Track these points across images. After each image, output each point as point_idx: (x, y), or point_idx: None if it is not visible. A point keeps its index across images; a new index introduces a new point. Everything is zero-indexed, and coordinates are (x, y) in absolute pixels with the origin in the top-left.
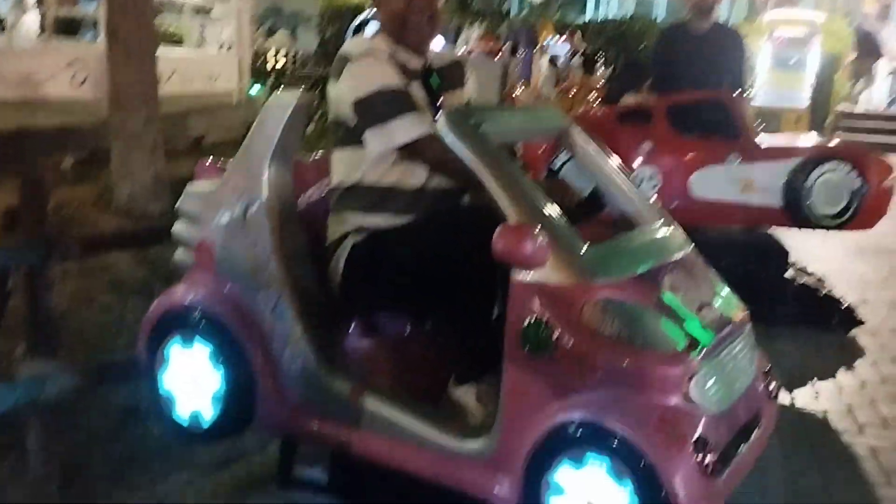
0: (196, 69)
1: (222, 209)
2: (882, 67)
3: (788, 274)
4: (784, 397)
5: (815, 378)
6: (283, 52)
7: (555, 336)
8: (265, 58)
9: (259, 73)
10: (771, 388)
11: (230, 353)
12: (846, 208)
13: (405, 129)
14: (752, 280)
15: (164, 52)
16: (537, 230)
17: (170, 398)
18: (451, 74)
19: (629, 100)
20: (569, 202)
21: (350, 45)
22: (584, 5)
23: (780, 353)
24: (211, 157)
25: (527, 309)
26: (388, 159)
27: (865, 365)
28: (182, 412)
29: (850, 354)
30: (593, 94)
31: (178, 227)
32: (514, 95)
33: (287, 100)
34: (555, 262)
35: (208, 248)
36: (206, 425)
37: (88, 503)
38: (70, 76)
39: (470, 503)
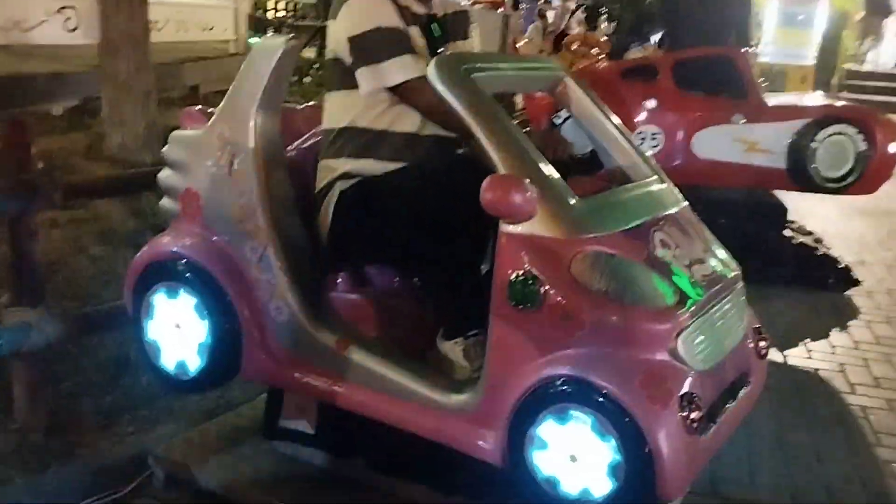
0: (192, 17)
1: (208, 157)
2: (890, 26)
3: (786, 233)
4: (777, 356)
5: (809, 337)
6: (282, 2)
7: (542, 290)
8: (265, 7)
9: (259, 23)
10: (761, 346)
11: (216, 303)
12: (850, 171)
13: (398, 69)
14: (748, 238)
15: None
16: (526, 182)
17: (156, 347)
18: (456, 25)
19: (634, 55)
20: (561, 155)
21: None
22: None
23: (774, 311)
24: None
25: (514, 262)
26: (381, 102)
27: (860, 325)
28: (168, 362)
29: (844, 314)
30: (595, 49)
31: (164, 175)
32: (516, 47)
33: (274, 45)
34: (544, 214)
35: (194, 197)
36: (191, 375)
37: (74, 452)
38: (62, 21)
39: (455, 456)
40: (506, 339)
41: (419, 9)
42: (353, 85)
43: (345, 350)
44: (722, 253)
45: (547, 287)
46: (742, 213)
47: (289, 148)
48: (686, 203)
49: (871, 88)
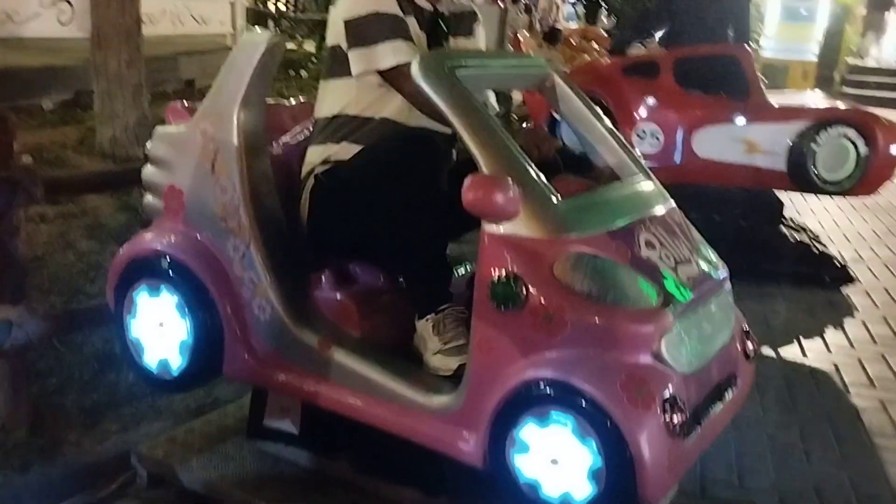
0: (187, 10)
1: (191, 154)
2: (893, 20)
3: (782, 230)
4: (770, 354)
5: (803, 335)
6: None
7: (524, 291)
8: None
9: (259, 15)
10: (748, 348)
11: (198, 301)
12: (851, 174)
13: (391, 52)
14: (744, 235)
15: None
16: (509, 181)
17: (138, 346)
18: (461, 22)
19: (636, 51)
20: (547, 153)
21: None
22: None
23: (769, 309)
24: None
25: (496, 263)
26: (372, 89)
27: (855, 323)
28: (150, 360)
29: (840, 312)
30: (595, 44)
31: (148, 172)
32: (519, 40)
33: (258, 40)
34: (526, 214)
35: (177, 194)
36: (174, 374)
37: (57, 451)
38: (56, 14)
39: (441, 457)
40: (488, 340)
41: (423, 3)
42: (348, 73)
43: (327, 350)
44: (709, 253)
45: (529, 288)
46: (738, 210)
47: (275, 144)
48: (673, 203)
49: (873, 84)
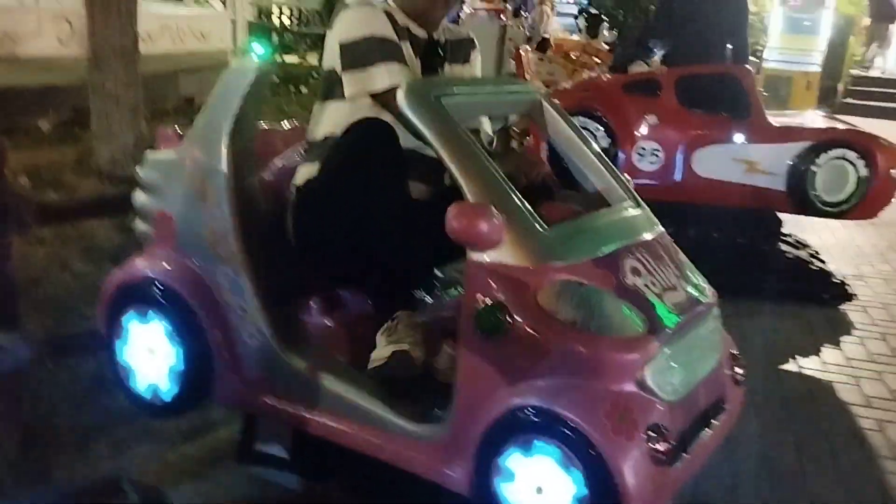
0: (187, 27)
1: (181, 181)
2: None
3: (781, 247)
4: (767, 373)
5: (800, 354)
6: (286, 8)
7: (508, 319)
8: (269, 14)
9: (262, 29)
10: (737, 373)
11: (187, 327)
12: (851, 196)
13: (384, 75)
14: (742, 252)
15: (155, 8)
16: (492, 209)
17: (129, 371)
18: (457, 49)
19: (638, 68)
20: (535, 179)
21: None
22: None
23: (766, 326)
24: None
25: (481, 291)
26: (364, 111)
27: (853, 341)
28: (141, 385)
29: (838, 330)
30: (596, 59)
31: (139, 198)
32: (520, 55)
33: (246, 67)
34: (510, 242)
35: (167, 220)
36: (164, 399)
37: (50, 474)
38: (55, 33)
39: (429, 483)
40: (473, 367)
41: (418, 31)
42: (342, 96)
43: (316, 376)
44: (697, 278)
45: (513, 316)
46: (736, 227)
47: (266, 169)
48: (661, 228)
49: (878, 94)
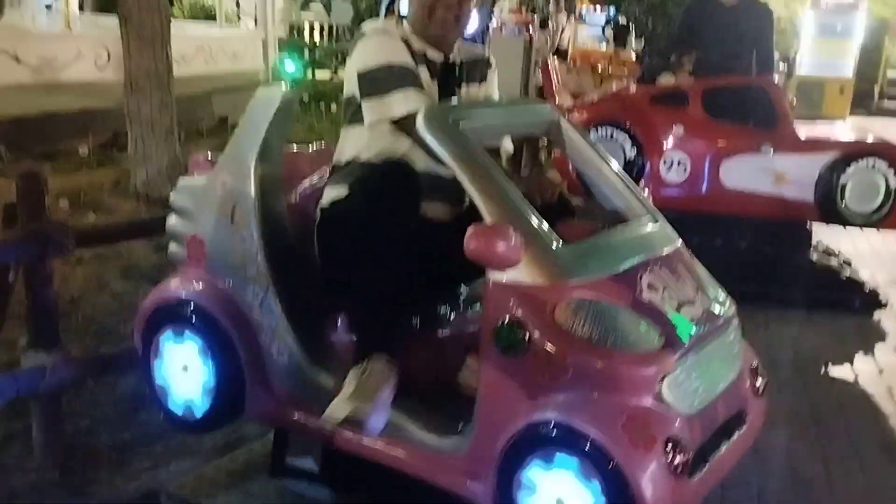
0: (220, 48)
1: (212, 205)
2: None
3: (811, 255)
4: (796, 382)
5: (832, 363)
6: (317, 25)
7: (527, 336)
8: (300, 30)
9: (293, 45)
10: (758, 384)
11: (220, 346)
12: (881, 206)
13: (401, 102)
14: (771, 262)
15: (188, 30)
16: (510, 229)
17: (164, 388)
18: (472, 70)
19: (665, 80)
20: (551, 198)
21: (367, 23)
22: None
23: (797, 336)
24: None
25: (500, 309)
26: (385, 136)
27: (886, 350)
28: (176, 402)
29: (870, 339)
30: (624, 69)
31: (172, 222)
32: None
33: (273, 94)
34: (528, 262)
35: (199, 243)
36: (198, 415)
37: (91, 488)
38: (93, 59)
39: (455, 496)
40: (494, 383)
41: (434, 55)
42: (362, 121)
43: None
44: (715, 291)
45: (532, 333)
46: (765, 236)
47: (296, 189)
48: (679, 242)
49: None
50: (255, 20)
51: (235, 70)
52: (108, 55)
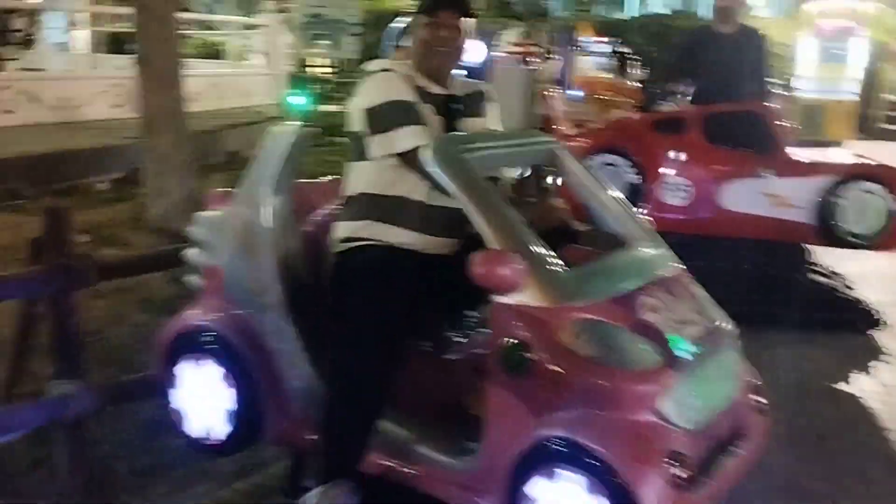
0: (230, 86)
1: (229, 237)
2: None
3: (811, 276)
4: (797, 401)
5: (835, 382)
6: (325, 60)
7: (532, 357)
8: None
9: (303, 81)
10: (759, 402)
11: (238, 372)
12: (878, 229)
13: (406, 137)
14: (774, 283)
15: (201, 68)
16: (514, 255)
17: (185, 414)
18: (471, 103)
19: (665, 107)
20: (554, 224)
21: (371, 63)
22: (623, 3)
23: (798, 356)
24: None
25: (505, 331)
26: (391, 170)
27: (888, 368)
28: (196, 428)
29: (872, 357)
30: (627, 98)
31: (191, 253)
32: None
33: (287, 132)
34: (532, 285)
35: (217, 274)
36: (218, 440)
37: None
38: (110, 98)
39: None
40: (500, 403)
41: (436, 90)
42: (369, 156)
43: None
44: (714, 312)
45: (536, 354)
46: (767, 259)
47: (308, 218)
48: (679, 265)
49: None
50: (266, 56)
51: (246, 106)
52: (123, 94)
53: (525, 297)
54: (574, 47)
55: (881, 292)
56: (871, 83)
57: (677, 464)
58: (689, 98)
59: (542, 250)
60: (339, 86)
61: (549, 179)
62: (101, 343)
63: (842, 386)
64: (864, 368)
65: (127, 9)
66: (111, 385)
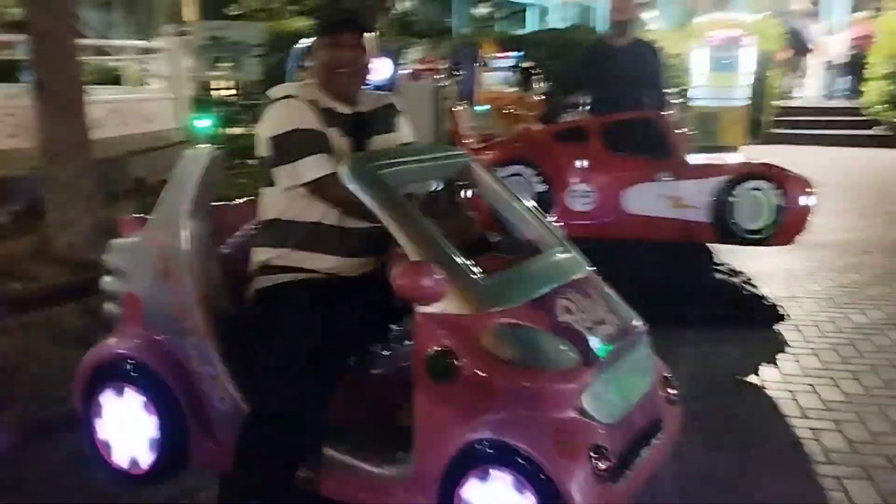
0: (132, 111)
1: (146, 262)
2: (812, 62)
3: (716, 276)
4: (709, 394)
5: (741, 374)
6: (228, 82)
7: (456, 363)
8: (210, 88)
9: (206, 104)
10: (670, 394)
11: (161, 399)
12: (769, 224)
13: (311, 167)
14: (680, 285)
15: (100, 94)
16: (434, 266)
17: (107, 445)
18: (381, 119)
19: (566, 119)
20: (472, 234)
21: (274, 89)
22: (525, 19)
23: (707, 352)
24: (150, 198)
25: (429, 340)
26: (303, 196)
27: (788, 359)
28: (120, 458)
29: (773, 349)
30: (531, 111)
31: (106, 281)
32: (453, 111)
33: (200, 155)
34: (453, 294)
35: (135, 301)
36: (144, 469)
37: None
38: (3, 128)
39: None
40: (429, 410)
41: (344, 109)
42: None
43: None
44: (625, 310)
45: (461, 360)
46: (671, 261)
47: (227, 240)
48: (590, 268)
49: (803, 123)
50: (167, 80)
51: (150, 131)
52: (17, 124)
53: (446, 305)
54: (478, 63)
55: (780, 289)
56: (761, 90)
57: (600, 457)
58: (588, 108)
59: (461, 260)
60: (243, 108)
61: (461, 193)
62: (10, 381)
63: (748, 377)
64: (767, 360)
65: (16, 36)
66: (28, 420)
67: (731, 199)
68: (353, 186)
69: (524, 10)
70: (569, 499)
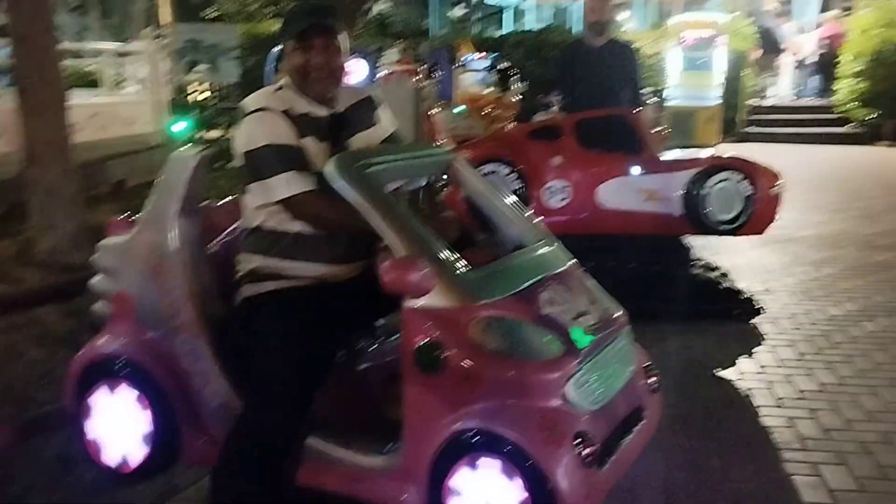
0: (111, 114)
1: (136, 261)
2: (784, 61)
3: (693, 271)
4: (688, 386)
5: (719, 367)
6: (205, 85)
7: (444, 355)
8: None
9: (183, 107)
10: (651, 382)
11: (153, 396)
12: (739, 214)
13: (284, 185)
14: (658, 280)
15: (79, 98)
16: (421, 261)
17: (99, 444)
18: (359, 115)
19: (540, 118)
20: (455, 234)
21: (248, 99)
22: (501, 20)
23: (685, 344)
24: (131, 201)
25: (417, 333)
26: (282, 209)
27: (764, 350)
28: (111, 456)
29: (750, 342)
30: (509, 111)
31: (95, 281)
32: (429, 115)
33: (188, 155)
34: (440, 288)
35: (126, 299)
36: (134, 466)
37: None
38: None
39: None
40: (417, 401)
41: (320, 111)
42: None
43: None
44: (607, 301)
45: (448, 352)
46: (652, 257)
47: (215, 240)
48: (572, 261)
49: (777, 122)
50: (145, 83)
51: (129, 135)
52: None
53: (434, 299)
54: (456, 64)
55: (755, 282)
56: (734, 89)
57: (584, 443)
58: (562, 107)
59: (448, 254)
60: (221, 111)
61: (441, 191)
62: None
63: (725, 369)
64: (743, 352)
65: None
66: (13, 423)
67: (702, 191)
68: (338, 185)
69: (500, 12)
70: (555, 484)
